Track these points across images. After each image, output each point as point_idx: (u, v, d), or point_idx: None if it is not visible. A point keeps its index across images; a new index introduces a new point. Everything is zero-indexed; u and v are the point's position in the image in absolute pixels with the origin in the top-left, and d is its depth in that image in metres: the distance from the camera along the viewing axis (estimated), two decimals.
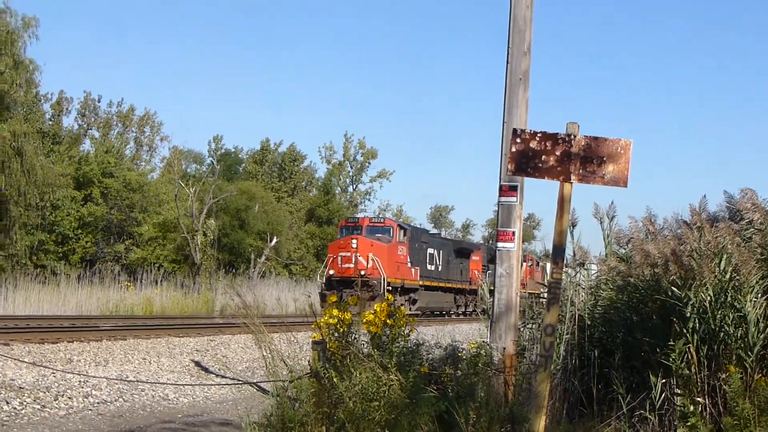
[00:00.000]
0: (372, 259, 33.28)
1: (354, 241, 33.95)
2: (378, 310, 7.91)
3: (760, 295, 7.31)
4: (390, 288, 32.91)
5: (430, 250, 39.96)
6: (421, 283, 37.85)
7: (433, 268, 40.08)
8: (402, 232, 36.86)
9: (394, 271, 34.59)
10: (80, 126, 65.16)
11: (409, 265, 36.74)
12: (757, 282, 7.33)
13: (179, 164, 58.10)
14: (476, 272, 45.69)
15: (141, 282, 37.16)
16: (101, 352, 16.31)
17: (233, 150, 76.96)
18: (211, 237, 48.05)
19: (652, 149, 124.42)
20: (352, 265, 33.41)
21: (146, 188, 53.12)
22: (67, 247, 48.28)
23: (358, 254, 33.46)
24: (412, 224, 47.77)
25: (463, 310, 44.68)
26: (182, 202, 47.84)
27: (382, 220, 37.57)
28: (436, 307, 40.75)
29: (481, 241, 70.97)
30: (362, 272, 32.84)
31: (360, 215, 45.54)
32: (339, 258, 33.94)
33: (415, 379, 7.04)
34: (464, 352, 8.40)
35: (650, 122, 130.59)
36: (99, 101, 66.51)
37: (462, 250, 45.65)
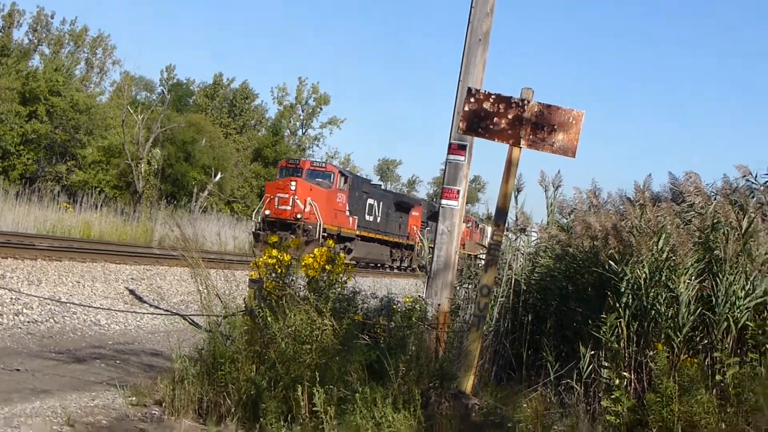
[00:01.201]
0: (310, 204, 32.63)
1: (293, 183, 33.19)
2: (318, 254, 7.95)
3: (693, 277, 7.44)
4: (326, 235, 32.32)
5: (370, 201, 39.43)
6: (358, 233, 37.35)
7: (371, 219, 39.60)
8: (343, 179, 36.22)
9: (331, 218, 34.12)
10: (30, 41, 64.02)
11: (347, 213, 36.25)
12: (692, 264, 7.46)
13: (129, 90, 57.42)
14: (415, 228, 45.38)
15: (81, 205, 36.70)
16: (35, 271, 16.18)
17: (185, 81, 76.22)
18: (156, 166, 47.65)
19: (607, 123, 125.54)
20: (288, 207, 32.73)
21: (93, 111, 52.31)
22: (8, 162, 47.54)
23: (296, 197, 32.77)
24: (354, 173, 47.43)
25: (398, 264, 44.26)
26: (129, 129, 47.34)
27: (323, 165, 36.77)
28: (371, 258, 40.08)
29: (425, 198, 70.82)
30: (298, 215, 32.27)
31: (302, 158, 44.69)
32: (276, 199, 33.19)
33: (348, 326, 7.09)
34: (399, 305, 8.47)
35: (614, 98, 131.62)
36: (52, 17, 65.41)
37: (402, 204, 45.06)
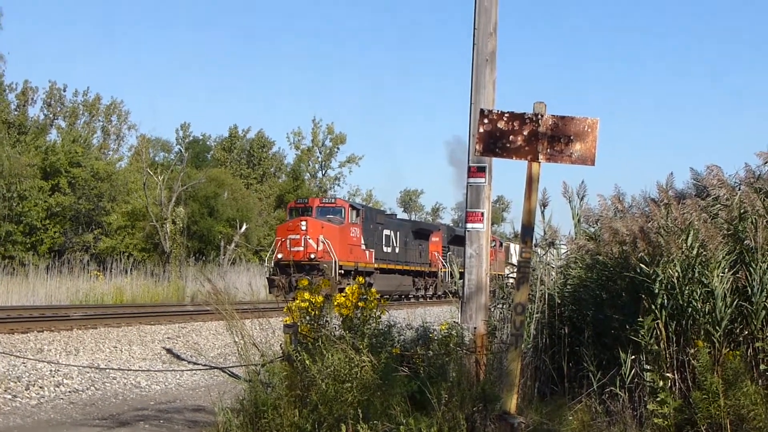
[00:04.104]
0: (322, 242, 32.02)
1: (303, 222, 32.59)
2: (349, 292, 7.94)
3: (726, 270, 7.39)
4: (342, 272, 31.86)
5: (386, 232, 38.66)
6: (376, 266, 36.43)
7: (389, 250, 38.81)
8: (354, 212, 35.45)
9: (346, 253, 33.41)
10: (46, 116, 64.84)
11: (363, 247, 35.51)
12: (723, 257, 7.41)
13: (147, 152, 57.87)
14: (436, 254, 44.77)
15: (110, 271, 36.88)
16: (72, 341, 16.25)
17: (201, 137, 76.70)
18: (181, 225, 47.87)
19: (622, 127, 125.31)
20: (301, 249, 32.15)
21: (114, 177, 52.74)
22: (35, 237, 47.89)
23: (307, 236, 32.16)
24: (365, 204, 46.78)
25: (423, 293, 43.34)
26: (151, 191, 47.64)
27: (333, 201, 36.16)
28: (393, 290, 38.27)
29: (444, 223, 70.21)
30: (312, 255, 31.75)
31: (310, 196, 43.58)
32: (288, 241, 32.63)
33: (387, 360, 7.06)
34: (435, 333, 8.42)
35: (620, 100, 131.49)
36: (64, 90, 66.27)
37: (421, 231, 44.27)
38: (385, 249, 38.32)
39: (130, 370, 13.12)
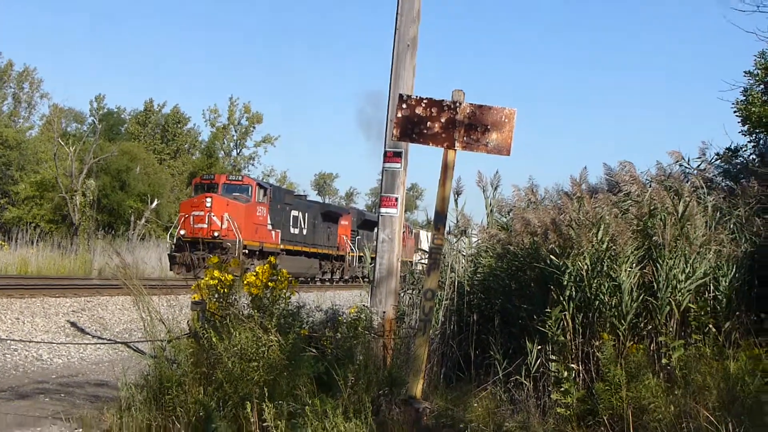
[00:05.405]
0: (227, 220, 31.36)
1: (208, 199, 31.79)
2: (260, 271, 7.88)
3: (634, 265, 7.52)
4: (246, 251, 31.44)
5: (294, 213, 37.97)
6: (282, 247, 35.64)
7: (296, 231, 38.19)
8: (262, 191, 34.72)
9: (251, 233, 32.82)
10: None
11: (269, 227, 34.82)
12: (632, 252, 7.53)
13: (59, 122, 56.74)
14: (344, 237, 44.28)
15: (16, 242, 36.10)
16: None
17: (116, 110, 75.44)
18: (91, 198, 47.02)
19: (543, 119, 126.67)
20: (205, 226, 31.36)
21: (24, 146, 51.64)
22: None
23: (212, 214, 31.43)
24: (273, 183, 46.06)
25: (329, 276, 42.86)
26: (61, 162, 46.72)
27: (240, 178, 35.49)
28: (299, 273, 36.83)
29: (364, 208, 69.91)
30: (216, 233, 31.12)
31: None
32: (192, 217, 31.75)
33: (294, 340, 7.03)
34: (345, 316, 8.42)
35: (541, 92, 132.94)
36: None
37: (329, 214, 43.41)
38: (292, 230, 37.73)
39: (32, 341, 12.87)
